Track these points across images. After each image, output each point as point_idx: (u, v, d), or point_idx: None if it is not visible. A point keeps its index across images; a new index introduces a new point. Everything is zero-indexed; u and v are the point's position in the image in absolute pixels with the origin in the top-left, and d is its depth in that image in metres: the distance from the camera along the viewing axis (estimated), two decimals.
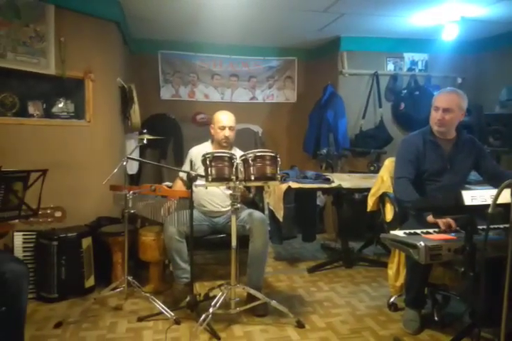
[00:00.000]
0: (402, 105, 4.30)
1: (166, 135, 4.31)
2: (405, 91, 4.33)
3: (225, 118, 2.69)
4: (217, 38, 4.41)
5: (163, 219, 2.56)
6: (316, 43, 4.58)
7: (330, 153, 3.85)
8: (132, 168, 3.80)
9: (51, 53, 2.79)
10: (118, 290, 2.45)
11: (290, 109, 5.03)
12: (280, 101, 5.02)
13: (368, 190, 2.71)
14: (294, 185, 2.98)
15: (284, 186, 2.97)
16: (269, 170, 2.14)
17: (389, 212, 2.43)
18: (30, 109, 2.81)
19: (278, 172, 2.18)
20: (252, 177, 2.12)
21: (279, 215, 2.99)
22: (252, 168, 2.13)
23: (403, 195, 2.20)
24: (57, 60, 2.81)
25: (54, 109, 2.92)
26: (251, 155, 2.14)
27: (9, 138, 2.68)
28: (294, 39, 4.45)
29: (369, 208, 2.61)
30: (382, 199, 2.51)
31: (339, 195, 3.26)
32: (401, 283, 2.38)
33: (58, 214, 1.78)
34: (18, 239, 2.59)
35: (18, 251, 2.58)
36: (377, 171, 3.27)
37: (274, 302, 2.25)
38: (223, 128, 2.67)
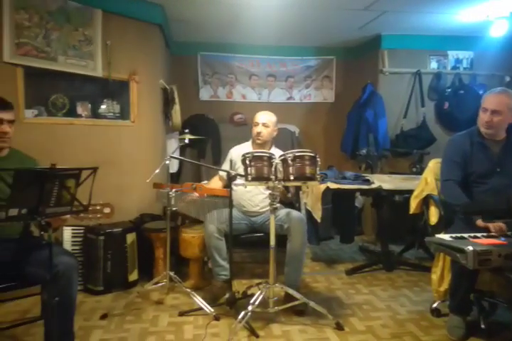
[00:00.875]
0: (446, 104, 4.16)
1: (205, 135, 4.39)
2: (449, 90, 4.18)
3: (258, 116, 2.73)
4: (256, 39, 4.44)
5: (203, 217, 2.61)
6: (356, 42, 4.51)
7: (369, 154, 3.77)
8: (173, 166, 3.91)
9: (98, 56, 2.92)
10: (160, 284, 2.53)
11: (328, 108, 4.98)
12: (317, 101, 4.98)
13: (410, 191, 2.64)
14: (333, 185, 2.95)
15: (323, 186, 2.94)
16: (308, 170, 2.13)
17: (433, 215, 2.36)
18: (79, 110, 2.95)
19: (317, 172, 2.17)
20: (291, 177, 2.12)
21: (317, 216, 2.97)
22: (291, 168, 2.12)
23: (451, 198, 2.13)
24: (103, 62, 2.94)
25: (100, 110, 3.05)
26: (290, 155, 2.14)
27: (60, 137, 2.83)
28: (333, 38, 4.40)
29: (412, 210, 2.54)
30: (426, 201, 2.44)
31: (379, 196, 3.19)
32: (445, 288, 2.30)
33: (107, 210, 1.86)
34: (68, 233, 2.72)
35: (67, 245, 2.72)
36: (419, 172, 3.18)
37: (312, 303, 2.24)
38: (257, 124, 2.71)
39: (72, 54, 2.79)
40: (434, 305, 2.39)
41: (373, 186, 2.97)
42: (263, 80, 4.89)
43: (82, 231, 2.74)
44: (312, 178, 2.14)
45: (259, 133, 2.69)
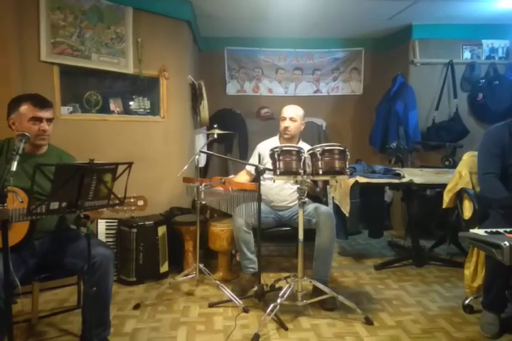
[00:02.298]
0: (480, 95, 4.01)
1: (232, 129, 4.42)
2: (483, 80, 4.02)
3: (286, 110, 2.72)
4: (282, 32, 4.41)
5: (231, 211, 2.64)
6: (385, 32, 4.40)
7: (400, 147, 3.69)
8: (201, 161, 3.96)
9: (130, 53, 2.98)
10: (190, 276, 2.59)
11: (355, 101, 4.90)
12: (345, 93, 4.91)
13: (442, 185, 2.58)
14: (362, 179, 2.91)
15: (351, 181, 2.91)
16: (337, 164, 2.12)
17: (467, 210, 2.29)
18: (112, 106, 3.03)
19: (347, 166, 2.15)
20: (320, 172, 2.11)
21: (345, 210, 2.95)
22: (320, 162, 2.12)
23: (490, 193, 2.07)
24: (135, 59, 3.01)
25: (132, 106, 3.13)
26: (319, 149, 2.13)
27: (93, 133, 2.92)
28: (361, 29, 4.31)
29: (445, 205, 2.48)
30: (459, 195, 2.38)
31: (409, 190, 3.12)
32: (478, 284, 2.25)
33: (141, 202, 1.92)
34: (102, 225, 2.83)
35: (102, 237, 2.82)
36: (452, 166, 3.10)
37: (341, 298, 2.23)
38: (284, 119, 2.70)
39: (104, 52, 2.87)
40: (467, 301, 2.34)
41: (404, 180, 2.91)
42: (290, 74, 4.87)
43: (115, 223, 2.83)
44: (341, 172, 2.12)
45: (286, 128, 2.68)
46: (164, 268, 2.89)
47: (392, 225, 4.20)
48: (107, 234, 2.84)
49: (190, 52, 3.63)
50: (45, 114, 1.86)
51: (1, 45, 2.41)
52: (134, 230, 2.75)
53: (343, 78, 4.89)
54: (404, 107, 3.95)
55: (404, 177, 2.93)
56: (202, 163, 4.07)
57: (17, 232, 1.73)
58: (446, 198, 2.46)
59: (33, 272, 1.87)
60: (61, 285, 2.58)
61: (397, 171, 3.01)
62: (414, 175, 2.99)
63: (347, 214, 2.95)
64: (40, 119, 1.84)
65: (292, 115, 2.69)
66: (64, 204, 1.51)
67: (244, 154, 4.34)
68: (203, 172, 4.29)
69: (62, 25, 2.65)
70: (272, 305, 2.13)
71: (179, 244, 2.96)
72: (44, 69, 2.63)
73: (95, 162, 1.56)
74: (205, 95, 3.66)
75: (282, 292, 2.19)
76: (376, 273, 3.00)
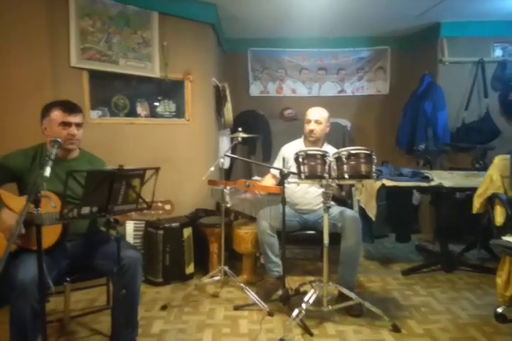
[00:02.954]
0: None
1: (256, 131, 4.42)
2: None
3: (310, 112, 2.69)
4: (306, 32, 4.38)
5: (255, 214, 2.65)
6: (412, 31, 4.30)
7: (428, 149, 3.59)
8: (225, 163, 3.98)
9: (156, 57, 3.03)
10: (215, 278, 2.61)
11: (381, 101, 4.81)
12: (370, 93, 4.82)
13: (472, 189, 2.50)
14: (388, 182, 2.85)
15: (377, 184, 2.86)
16: (363, 168, 2.09)
17: (499, 215, 2.22)
18: (139, 110, 3.09)
19: (373, 170, 2.11)
20: (346, 176, 2.09)
21: (371, 214, 2.90)
22: (345, 166, 2.09)
23: None
24: (161, 63, 3.05)
25: (158, 109, 3.18)
26: (345, 152, 2.10)
27: (121, 136, 2.98)
28: (387, 27, 4.22)
29: (475, 210, 2.41)
30: (491, 200, 2.30)
31: (439, 194, 3.04)
32: (511, 293, 2.17)
33: (168, 207, 1.95)
34: (130, 227, 2.89)
35: (129, 238, 2.88)
36: (483, 169, 3.00)
37: (367, 304, 2.20)
38: (309, 121, 2.67)
39: (131, 56, 2.92)
40: (499, 309, 2.26)
41: (433, 183, 2.83)
42: (314, 74, 4.83)
43: (142, 225, 2.88)
44: (368, 176, 2.09)
45: (312, 131, 2.66)
46: (190, 269, 2.93)
47: (419, 229, 4.11)
48: (134, 235, 2.90)
49: (214, 54, 3.65)
50: (74, 118, 1.91)
51: (34, 53, 2.50)
52: (161, 232, 2.80)
53: (369, 78, 4.80)
54: (433, 107, 3.84)
55: (433, 180, 2.85)
56: (226, 165, 4.10)
57: (50, 235, 1.78)
58: (477, 203, 2.39)
59: (65, 273, 1.92)
60: (91, 285, 2.64)
61: (426, 174, 2.93)
62: (444, 178, 2.91)
63: (373, 218, 2.90)
64: (69, 124, 1.89)
65: (317, 117, 2.66)
66: (95, 208, 1.55)
67: (268, 156, 4.34)
68: (227, 173, 4.32)
69: (91, 31, 2.71)
70: (297, 310, 2.12)
71: (204, 245, 2.99)
72: (74, 74, 2.70)
73: (124, 168, 1.60)
74: (229, 97, 3.68)
75: (307, 297, 2.18)
76: (404, 279, 2.94)
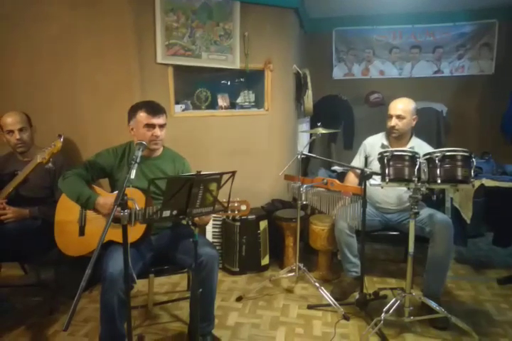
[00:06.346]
0: None
1: (337, 118, 4.23)
2: None
3: (392, 106, 2.46)
4: (398, 7, 3.98)
5: (333, 213, 2.55)
6: None
7: None
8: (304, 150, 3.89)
9: (237, 48, 2.99)
10: (290, 274, 2.61)
11: (485, 82, 4.24)
12: (472, 73, 4.28)
13: None
14: (489, 183, 2.54)
15: (476, 184, 2.55)
16: (460, 172, 1.87)
17: None
18: (220, 101, 3.12)
19: (472, 174, 1.87)
20: (439, 180, 1.88)
21: (467, 216, 2.63)
22: (438, 170, 1.89)
23: None
24: (241, 54, 3.01)
25: (238, 100, 3.17)
26: (438, 154, 1.89)
27: (202, 128, 3.04)
28: None
29: None
30: None
31: None
32: None
33: (243, 207, 1.95)
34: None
35: (208, 227, 2.99)
36: None
37: (454, 318, 2.02)
38: (390, 117, 2.45)
39: (213, 49, 2.92)
40: None
41: None
42: (405, 53, 4.42)
43: (221, 216, 2.97)
44: (465, 181, 1.86)
45: (393, 127, 2.44)
46: (265, 261, 2.97)
47: None
48: (213, 224, 3.01)
49: (295, 40, 3.50)
50: (158, 120, 1.99)
51: (123, 52, 2.63)
52: (238, 223, 2.86)
53: (471, 56, 4.25)
54: None
55: None
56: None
57: (136, 230, 1.91)
58: None
59: (150, 264, 2.06)
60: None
61: None
62: None
63: (468, 221, 2.62)
64: (153, 126, 1.99)
65: (400, 112, 2.41)
66: (175, 212, 1.62)
67: (349, 144, 4.15)
68: (305, 163, 4.23)
69: (175, 27, 2.75)
70: (375, 320, 2.03)
71: (280, 238, 3.00)
72: (160, 70, 2.79)
73: (201, 173, 1.62)
74: (309, 84, 3.53)
75: (388, 306, 2.05)
76: (499, 289, 2.64)
